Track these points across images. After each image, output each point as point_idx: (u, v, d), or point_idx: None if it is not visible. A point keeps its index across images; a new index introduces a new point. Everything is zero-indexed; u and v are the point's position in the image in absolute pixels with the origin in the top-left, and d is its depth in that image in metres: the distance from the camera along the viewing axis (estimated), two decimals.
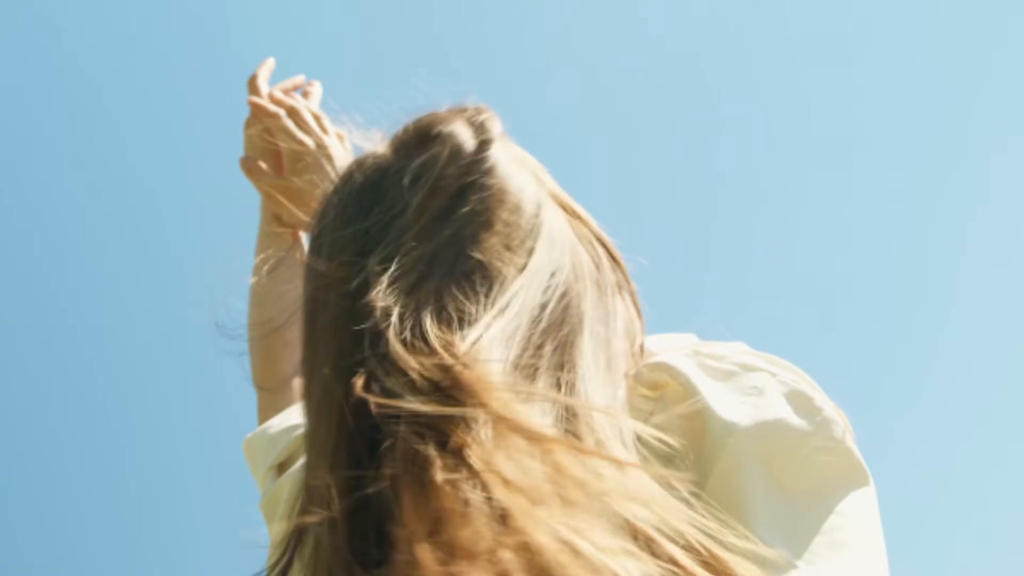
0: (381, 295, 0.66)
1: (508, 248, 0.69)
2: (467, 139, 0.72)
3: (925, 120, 3.78)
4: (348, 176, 0.77)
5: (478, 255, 0.68)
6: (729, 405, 0.66)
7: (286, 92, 1.23)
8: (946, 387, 3.83)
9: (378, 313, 0.65)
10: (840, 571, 0.62)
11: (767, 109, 3.70)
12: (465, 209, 0.70)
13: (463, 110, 0.76)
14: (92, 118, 3.40)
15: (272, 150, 1.21)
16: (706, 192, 3.65)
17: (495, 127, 0.74)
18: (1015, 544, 3.59)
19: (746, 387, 0.69)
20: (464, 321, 0.64)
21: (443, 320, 0.64)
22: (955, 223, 3.75)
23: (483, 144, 0.73)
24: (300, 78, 1.27)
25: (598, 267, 0.75)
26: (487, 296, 0.66)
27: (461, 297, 0.66)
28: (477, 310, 0.65)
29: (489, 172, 0.71)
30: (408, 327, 0.64)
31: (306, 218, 0.88)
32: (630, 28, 3.54)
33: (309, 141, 1.17)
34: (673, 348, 0.74)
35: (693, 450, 0.66)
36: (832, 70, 3.71)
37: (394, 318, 0.65)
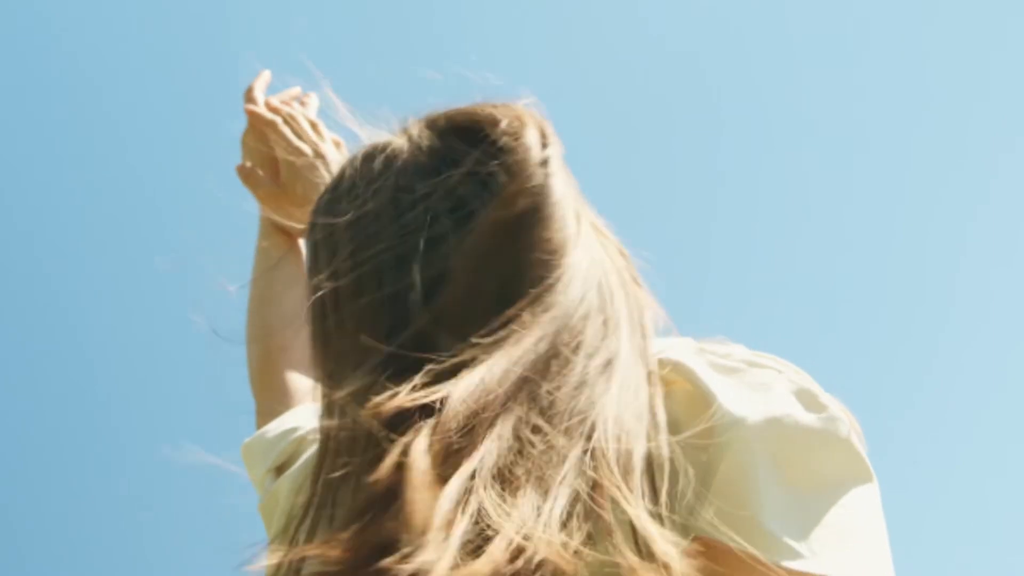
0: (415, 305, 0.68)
1: (556, 250, 0.70)
2: (535, 142, 0.72)
3: (925, 120, 3.78)
4: (370, 159, 0.76)
5: (528, 259, 0.68)
6: (737, 400, 0.67)
7: (283, 102, 1.24)
8: (946, 387, 3.83)
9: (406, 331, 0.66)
10: (845, 562, 0.64)
11: (767, 109, 3.70)
12: (523, 212, 0.70)
13: (520, 108, 0.74)
14: (92, 118, 3.41)
15: (269, 158, 1.21)
16: (706, 192, 3.65)
17: (552, 131, 0.74)
18: (1015, 544, 3.59)
19: (754, 383, 0.70)
20: (505, 324, 0.65)
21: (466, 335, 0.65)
22: (955, 223, 3.76)
23: (546, 147, 0.72)
24: (296, 90, 1.27)
25: (619, 265, 0.76)
26: (533, 297, 0.67)
27: (503, 302, 0.67)
28: (519, 313, 0.66)
29: (552, 177, 0.71)
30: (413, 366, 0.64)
31: (303, 224, 0.87)
32: (630, 28, 3.54)
33: (306, 148, 1.17)
34: (677, 347, 0.75)
35: (702, 442, 0.66)
36: (832, 70, 3.71)
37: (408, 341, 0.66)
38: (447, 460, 0.58)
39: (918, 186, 3.77)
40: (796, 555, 0.62)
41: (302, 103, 1.26)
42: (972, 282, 3.79)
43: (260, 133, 1.22)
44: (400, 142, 0.76)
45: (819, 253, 3.75)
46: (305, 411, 1.00)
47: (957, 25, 3.65)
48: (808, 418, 0.67)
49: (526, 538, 0.54)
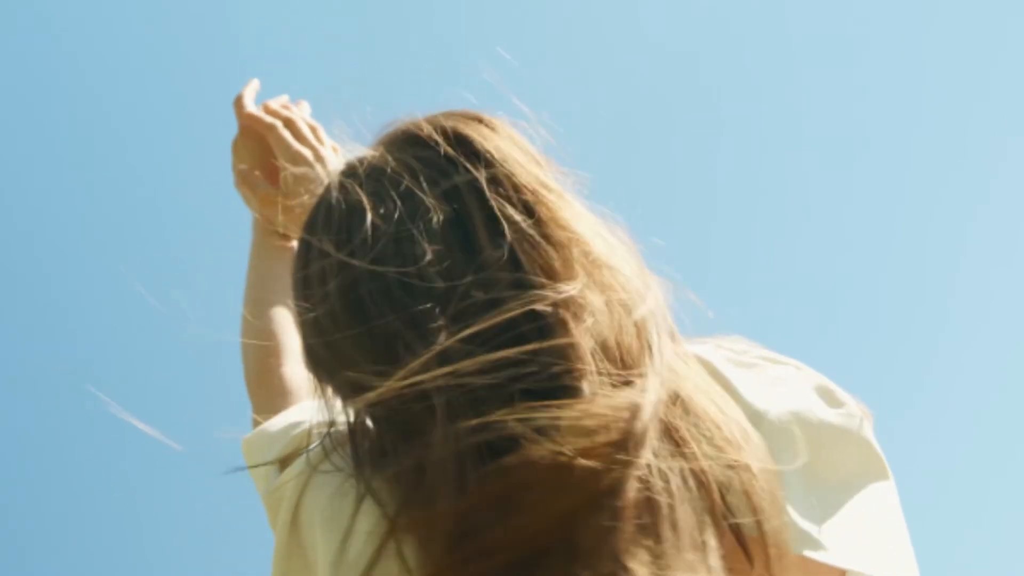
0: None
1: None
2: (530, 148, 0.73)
3: (925, 120, 3.78)
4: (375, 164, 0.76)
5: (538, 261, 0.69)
6: (758, 394, 0.68)
7: (283, 106, 1.24)
8: (946, 387, 3.84)
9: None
10: (866, 557, 0.65)
11: (767, 109, 3.70)
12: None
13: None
14: (91, 119, 3.41)
15: (264, 162, 1.21)
16: (706, 192, 3.65)
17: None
18: (1015, 544, 3.60)
19: (773, 378, 0.71)
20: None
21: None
22: (955, 223, 3.76)
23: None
24: (284, 98, 1.27)
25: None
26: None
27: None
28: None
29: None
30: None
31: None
32: (629, 29, 3.54)
33: (306, 152, 1.17)
34: (694, 343, 0.75)
35: None
36: (832, 70, 3.71)
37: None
38: None
39: (918, 186, 3.78)
40: (818, 546, 0.63)
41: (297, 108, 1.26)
42: (972, 282, 3.79)
43: (258, 137, 1.21)
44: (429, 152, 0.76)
45: (819, 253, 3.75)
46: (307, 407, 1.00)
47: (957, 25, 3.66)
48: (828, 413, 0.69)
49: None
